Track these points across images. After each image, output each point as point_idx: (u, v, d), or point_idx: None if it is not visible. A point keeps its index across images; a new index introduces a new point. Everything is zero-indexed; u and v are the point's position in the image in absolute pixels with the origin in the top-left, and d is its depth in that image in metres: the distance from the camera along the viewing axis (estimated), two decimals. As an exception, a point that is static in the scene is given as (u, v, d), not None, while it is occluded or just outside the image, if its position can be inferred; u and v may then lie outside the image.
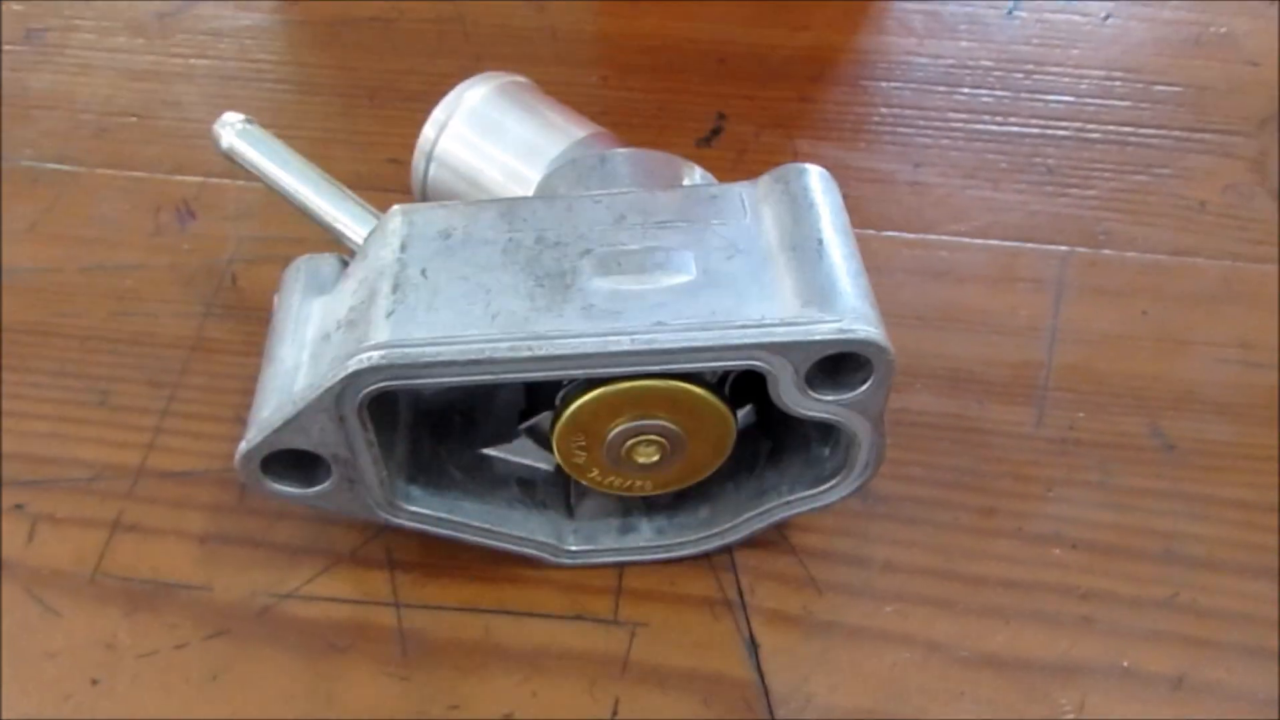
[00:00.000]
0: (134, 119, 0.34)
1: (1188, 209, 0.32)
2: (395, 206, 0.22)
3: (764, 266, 0.19)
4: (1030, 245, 0.31)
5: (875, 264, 0.30)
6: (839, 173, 0.33)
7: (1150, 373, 0.27)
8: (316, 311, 0.21)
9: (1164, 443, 0.26)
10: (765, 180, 0.22)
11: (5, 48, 0.36)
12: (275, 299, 0.23)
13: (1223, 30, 0.37)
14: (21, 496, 0.25)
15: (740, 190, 0.21)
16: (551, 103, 0.27)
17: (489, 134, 0.26)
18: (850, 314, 0.18)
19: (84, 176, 0.32)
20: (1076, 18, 0.37)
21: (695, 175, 0.24)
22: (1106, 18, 0.37)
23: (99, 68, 0.36)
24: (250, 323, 0.28)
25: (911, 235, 0.31)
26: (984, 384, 0.27)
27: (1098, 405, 0.27)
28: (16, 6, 0.38)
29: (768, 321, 0.18)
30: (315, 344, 0.20)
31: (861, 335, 0.18)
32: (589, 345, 0.18)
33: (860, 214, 0.31)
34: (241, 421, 0.26)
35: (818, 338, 0.18)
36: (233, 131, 0.24)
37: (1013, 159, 0.33)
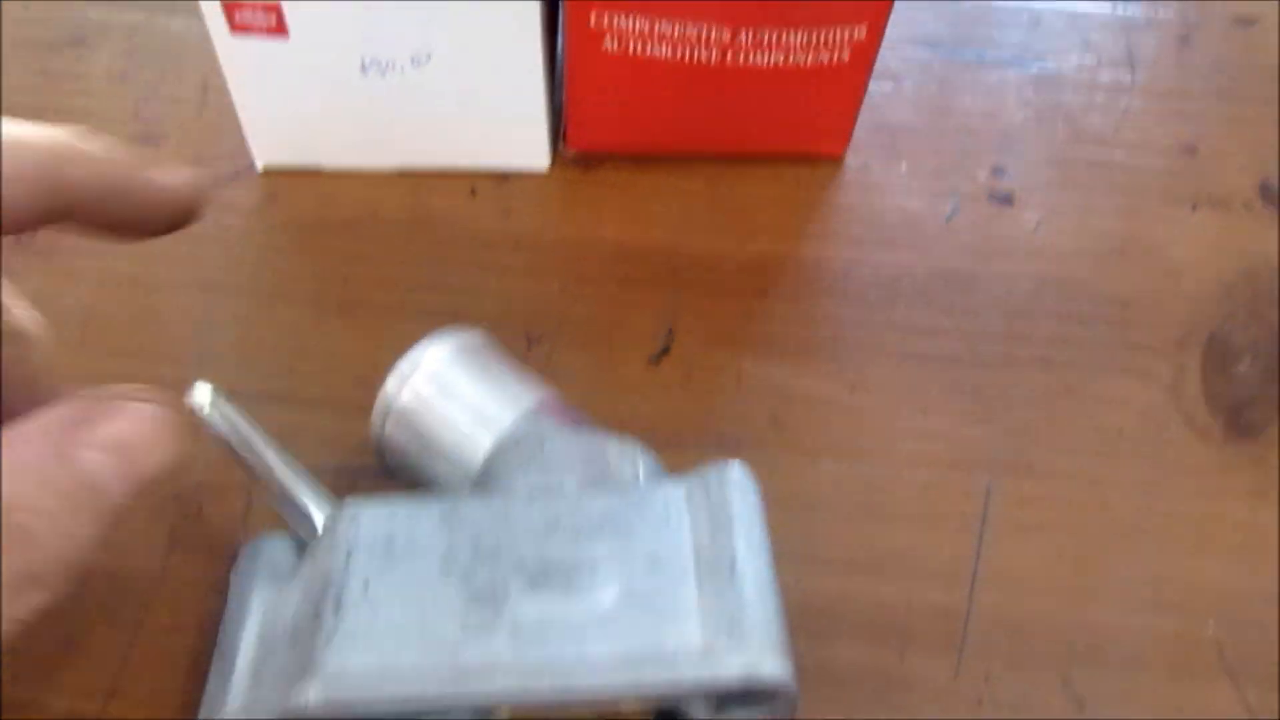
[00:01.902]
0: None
1: (1106, 437, 0.33)
2: (346, 505, 0.23)
3: (680, 585, 0.21)
4: (956, 475, 0.32)
5: (807, 499, 0.32)
6: (779, 395, 0.35)
7: (1064, 620, 0.29)
8: (268, 609, 0.23)
9: (1073, 695, 0.28)
10: (692, 481, 0.23)
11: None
12: (231, 578, 0.24)
13: (1145, 241, 0.39)
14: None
15: (665, 495, 0.23)
16: (505, 362, 0.29)
17: (444, 396, 0.28)
18: (757, 648, 0.20)
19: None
20: (1008, 226, 0.40)
21: (636, 459, 0.26)
22: (1036, 227, 0.40)
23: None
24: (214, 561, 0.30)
25: (843, 463, 0.33)
26: (906, 633, 0.29)
27: (1012, 655, 0.28)
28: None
29: (679, 661, 0.20)
30: (259, 650, 0.22)
31: (765, 676, 0.20)
32: (512, 687, 0.20)
33: (797, 439, 0.33)
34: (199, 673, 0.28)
35: (723, 680, 0.20)
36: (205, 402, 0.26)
37: (942, 384, 0.35)
